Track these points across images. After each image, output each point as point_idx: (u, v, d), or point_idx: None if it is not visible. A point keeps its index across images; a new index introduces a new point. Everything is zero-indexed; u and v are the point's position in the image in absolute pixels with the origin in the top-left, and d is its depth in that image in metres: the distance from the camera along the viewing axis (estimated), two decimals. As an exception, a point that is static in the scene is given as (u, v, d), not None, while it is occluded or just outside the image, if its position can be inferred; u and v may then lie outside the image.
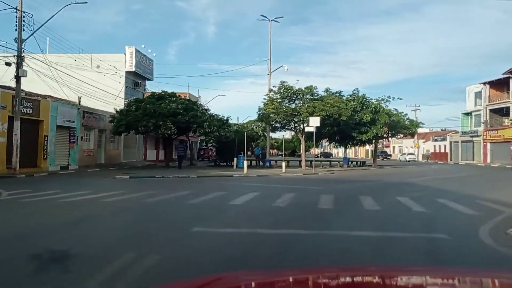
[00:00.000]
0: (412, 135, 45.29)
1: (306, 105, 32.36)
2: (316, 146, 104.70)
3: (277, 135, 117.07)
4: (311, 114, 31.69)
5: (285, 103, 34.03)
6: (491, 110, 60.29)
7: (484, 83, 61.25)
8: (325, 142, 72.70)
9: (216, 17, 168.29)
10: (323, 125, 36.97)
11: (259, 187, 17.92)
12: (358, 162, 44.23)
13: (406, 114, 44.40)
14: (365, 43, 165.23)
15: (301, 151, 34.88)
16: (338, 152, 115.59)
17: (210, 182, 20.63)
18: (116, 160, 36.26)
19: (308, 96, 33.69)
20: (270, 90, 33.95)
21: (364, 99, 37.70)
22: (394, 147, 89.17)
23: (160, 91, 33.09)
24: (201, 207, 11.55)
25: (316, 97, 33.52)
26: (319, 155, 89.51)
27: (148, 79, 42.79)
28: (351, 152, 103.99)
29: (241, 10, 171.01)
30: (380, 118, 37.18)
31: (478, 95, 63.53)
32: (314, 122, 29.08)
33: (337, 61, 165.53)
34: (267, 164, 34.16)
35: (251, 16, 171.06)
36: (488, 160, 60.26)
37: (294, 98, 33.69)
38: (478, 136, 62.27)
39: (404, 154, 79.10)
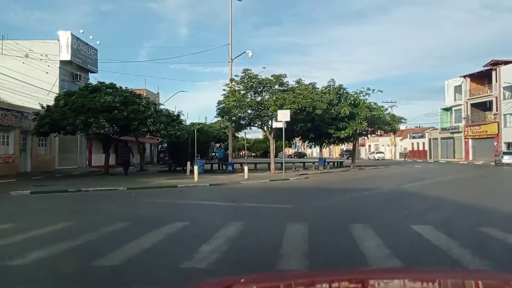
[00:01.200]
0: (393, 132, 40.18)
1: (275, 96, 26.62)
2: (290, 146, 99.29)
3: (252, 135, 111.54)
4: (281, 108, 26.06)
5: (250, 96, 28.24)
6: (472, 105, 56.05)
7: (465, 76, 56.97)
8: (298, 141, 67.11)
9: (188, 18, 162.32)
10: (295, 121, 31.24)
11: (195, 208, 12.00)
12: (335, 163, 38.84)
13: (387, 109, 39.32)
14: (336, 44, 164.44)
15: (270, 152, 29.14)
16: (313, 152, 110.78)
17: (132, 199, 14.38)
18: (49, 167, 29.59)
19: (277, 87, 27.97)
20: (232, 80, 28.05)
21: (341, 90, 32.25)
22: (370, 146, 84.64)
23: (97, 82, 26.58)
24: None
25: (286, 88, 27.82)
26: (292, 156, 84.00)
27: (91, 71, 36.18)
28: (326, 152, 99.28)
29: (214, 11, 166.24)
30: (360, 112, 31.80)
31: (457, 89, 59.29)
32: (284, 116, 23.34)
33: (310, 62, 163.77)
34: (230, 168, 28.24)
35: (224, 17, 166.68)
36: (470, 157, 56.00)
37: (260, 89, 27.89)
38: (459, 132, 57.97)
39: (373, 152, 75.88)
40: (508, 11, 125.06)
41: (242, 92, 28.01)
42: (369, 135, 40.78)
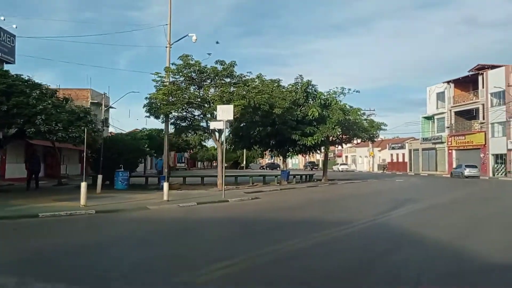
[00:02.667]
0: (372, 140, 34.03)
1: (220, 89, 20.07)
2: (262, 156, 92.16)
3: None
4: (229, 103, 19.62)
5: (193, 90, 21.64)
6: (456, 113, 50.66)
7: (448, 82, 51.64)
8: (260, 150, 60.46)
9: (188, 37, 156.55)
10: (252, 124, 24.86)
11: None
12: (304, 176, 32.43)
13: (364, 113, 33.18)
14: (317, 56, 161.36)
15: (218, 161, 22.43)
16: (288, 163, 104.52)
17: None
18: None
19: (228, 80, 21.45)
20: (167, 69, 21.37)
21: (310, 87, 25.90)
22: (347, 157, 78.86)
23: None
24: None
25: (238, 81, 21.31)
26: (264, 167, 77.25)
27: (7, 62, 28.98)
28: (301, 161, 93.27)
29: (194, 21, 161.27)
30: (332, 114, 25.51)
31: (440, 96, 53.94)
32: (225, 113, 16.71)
33: (291, 73, 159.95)
34: (161, 183, 21.38)
35: (204, 27, 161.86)
36: (454, 171, 50.39)
37: (208, 83, 21.27)
38: (441, 142, 52.45)
39: (337, 164, 72.25)
40: (484, 26, 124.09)
41: (183, 85, 21.42)
42: (343, 144, 34.49)
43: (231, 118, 16.88)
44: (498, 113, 43.47)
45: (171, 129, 24.41)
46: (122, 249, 7.71)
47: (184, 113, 22.46)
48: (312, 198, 18.35)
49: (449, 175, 47.40)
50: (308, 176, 33.43)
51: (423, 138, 56.28)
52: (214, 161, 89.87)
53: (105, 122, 47.40)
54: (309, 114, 23.86)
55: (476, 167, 41.96)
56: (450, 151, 51.13)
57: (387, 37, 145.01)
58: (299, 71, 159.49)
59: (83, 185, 13.49)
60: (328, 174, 33.55)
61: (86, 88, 42.26)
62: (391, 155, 64.33)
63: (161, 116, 22.00)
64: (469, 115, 48.36)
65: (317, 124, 25.26)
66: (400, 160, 61.83)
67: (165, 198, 15.29)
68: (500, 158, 44.03)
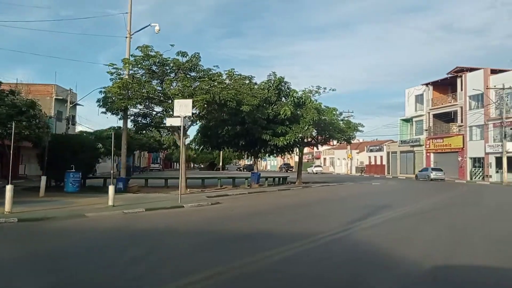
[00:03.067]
0: (348, 142, 32.66)
1: (181, 83, 18.26)
2: (240, 158, 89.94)
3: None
4: (190, 97, 17.91)
5: (155, 84, 19.80)
6: (434, 115, 49.91)
7: (427, 84, 50.86)
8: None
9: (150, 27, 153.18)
10: (221, 123, 23.13)
11: None
12: (278, 179, 30.86)
13: (341, 113, 31.80)
14: (299, 59, 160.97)
15: (181, 162, 20.58)
16: (267, 165, 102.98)
17: None
18: None
19: (193, 74, 19.67)
20: (125, 61, 19.44)
21: (282, 85, 24.32)
22: (325, 159, 77.76)
23: None
24: None
25: (202, 75, 19.55)
26: (241, 168, 75.47)
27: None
28: (280, 163, 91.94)
29: (174, 21, 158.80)
30: (305, 114, 23.98)
31: (419, 98, 53.18)
32: (183, 108, 14.93)
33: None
34: (120, 186, 19.47)
35: (186, 27, 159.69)
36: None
37: (165, 75, 19.43)
38: (419, 145, 51.65)
39: (311, 166, 71.43)
40: (461, 33, 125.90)
41: (143, 79, 19.54)
42: (319, 145, 33.03)
43: (189, 113, 15.12)
44: (476, 116, 42.78)
45: (132, 127, 22.49)
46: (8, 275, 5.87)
47: (145, 110, 20.59)
48: (278, 204, 16.71)
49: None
50: (282, 178, 31.87)
51: (401, 141, 55.45)
52: (192, 162, 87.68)
53: (72, 120, 44.97)
54: (281, 113, 22.28)
55: (441, 170, 42.92)
56: (428, 154, 50.36)
57: (369, 41, 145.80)
58: (282, 73, 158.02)
59: (8, 188, 11.54)
60: (303, 176, 32.09)
61: (51, 83, 39.80)
62: (369, 157, 63.44)
63: (120, 112, 20.09)
64: (447, 118, 47.64)
65: (289, 124, 23.70)
66: (378, 162, 60.97)
67: (110, 203, 13.41)
68: (477, 162, 43.35)
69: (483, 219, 12.62)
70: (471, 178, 43.25)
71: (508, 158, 37.95)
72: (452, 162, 46.26)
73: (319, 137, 31.01)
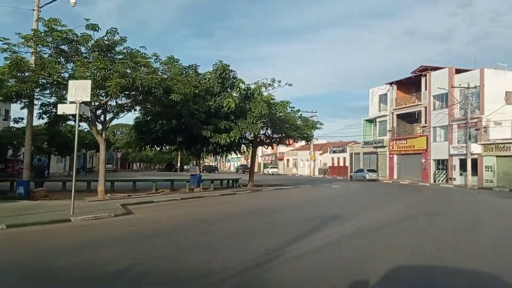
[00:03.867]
0: (306, 140, 29.65)
1: (92, 64, 14.62)
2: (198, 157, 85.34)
3: None
4: (102, 84, 14.37)
5: (67, 67, 16.09)
6: (398, 116, 47.94)
7: (391, 84, 48.88)
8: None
9: (117, 25, 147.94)
10: (154, 117, 19.61)
11: None
12: (226, 181, 27.53)
13: (298, 110, 28.79)
14: (268, 61, 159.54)
15: (100, 161, 16.84)
16: (230, 166, 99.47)
17: None
18: None
19: (112, 55, 16.07)
20: (29, 37, 15.63)
21: (227, 73, 20.94)
22: (288, 160, 75.07)
23: None
24: None
25: (124, 57, 15.98)
26: (201, 169, 71.65)
27: None
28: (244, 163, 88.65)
29: (141, 20, 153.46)
30: (254, 107, 20.75)
31: (383, 98, 51.18)
32: (79, 90, 11.37)
33: (240, 77, 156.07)
34: (20, 191, 15.60)
35: (153, 27, 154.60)
36: (395, 176, 47.68)
37: (77, 54, 15.71)
38: (383, 146, 49.58)
39: (267, 167, 70.88)
40: (425, 38, 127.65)
41: (50, 58, 15.79)
42: (274, 144, 29.90)
43: (88, 98, 11.53)
44: (440, 116, 40.93)
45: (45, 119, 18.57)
46: None
47: (53, 97, 16.82)
48: (204, 214, 13.30)
49: (390, 181, 44.49)
50: (232, 181, 28.58)
51: (364, 142, 53.32)
52: (149, 163, 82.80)
53: (6, 115, 40.06)
54: (225, 105, 18.96)
55: (375, 171, 46.77)
56: (391, 155, 48.34)
57: (336, 44, 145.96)
58: (249, 74, 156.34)
59: None
60: (259, 178, 28.91)
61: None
62: (332, 159, 61.13)
63: (22, 100, 16.22)
64: (411, 118, 45.73)
65: (236, 119, 20.41)
66: (342, 164, 58.72)
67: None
68: (441, 164, 41.51)
69: (458, 235, 9.72)
70: (434, 181, 41.37)
71: (472, 160, 36.12)
72: (415, 164, 44.34)
73: (273, 135, 27.96)
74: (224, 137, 19.41)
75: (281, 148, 79.20)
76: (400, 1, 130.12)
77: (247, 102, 21.14)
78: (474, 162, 36.37)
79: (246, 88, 20.92)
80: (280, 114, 24.88)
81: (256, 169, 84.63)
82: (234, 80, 20.43)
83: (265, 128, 25.42)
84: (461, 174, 38.73)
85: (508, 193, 27.76)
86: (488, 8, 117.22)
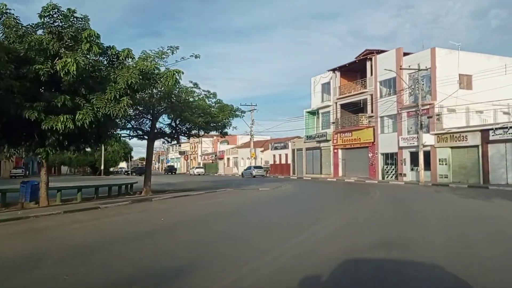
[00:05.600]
0: (222, 133, 22.34)
1: None
2: (43, 157, 74.89)
3: None
4: None
5: None
6: (342, 106, 42.12)
7: (334, 70, 42.97)
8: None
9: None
10: None
11: None
12: (121, 187, 19.96)
13: (214, 95, 21.55)
14: (217, 61, 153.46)
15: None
16: (182, 167, 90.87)
17: None
18: None
19: None
20: None
21: (72, 20, 13.20)
22: (229, 159, 67.96)
23: None
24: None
25: None
26: (129, 172, 62.23)
27: None
28: (191, 164, 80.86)
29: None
30: (119, 78, 13.36)
31: (326, 88, 45.26)
32: None
33: (189, 77, 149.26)
34: None
35: (98, 26, 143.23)
36: (340, 173, 41.87)
37: None
38: (326, 140, 43.65)
39: (193, 168, 67.86)
40: (369, 39, 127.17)
41: None
42: (179, 138, 22.42)
43: None
44: (388, 104, 35.37)
45: None
46: None
47: None
48: None
49: (335, 179, 38.58)
50: (127, 186, 21.02)
51: (307, 136, 47.16)
52: (86, 167, 72.35)
53: None
54: (59, 68, 11.48)
55: (262, 167, 49.43)
56: (335, 150, 42.46)
57: (285, 45, 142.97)
58: (200, 75, 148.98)
59: None
60: (179, 181, 21.51)
61: None
62: (274, 156, 54.69)
63: None
64: (356, 107, 40.02)
65: (90, 93, 12.94)
66: (283, 161, 52.41)
67: None
68: (390, 158, 35.99)
69: None
70: (383, 178, 35.80)
71: (425, 153, 30.70)
72: (362, 159, 38.68)
73: (178, 125, 20.77)
74: (63, 120, 11.91)
75: (222, 147, 72.13)
76: (345, 2, 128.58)
77: (110, 68, 13.71)
78: (427, 155, 31.00)
79: (106, 48, 13.48)
80: (182, 96, 17.77)
81: (185, 170, 77.15)
82: (79, 32, 12.80)
83: (160, 112, 18.15)
84: (412, 169, 33.32)
85: (469, 191, 22.19)
86: (428, 11, 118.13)
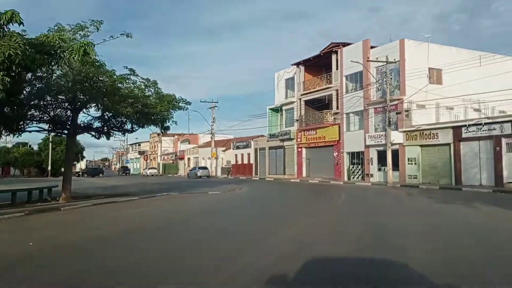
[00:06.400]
0: (163, 128, 18.70)
1: None
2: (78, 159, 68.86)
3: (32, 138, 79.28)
4: None
5: None
6: (306, 102, 39.37)
7: (298, 64, 40.18)
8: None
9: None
10: None
11: None
12: (28, 194, 16.14)
13: (150, 81, 17.97)
14: (188, 60, 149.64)
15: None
16: (131, 166, 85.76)
17: None
18: None
19: None
20: None
21: None
22: (189, 159, 64.05)
23: None
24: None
25: None
26: (79, 173, 57.04)
27: None
28: (149, 164, 76.56)
29: (51, 16, 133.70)
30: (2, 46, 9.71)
31: (290, 83, 42.44)
32: None
33: (158, 76, 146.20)
34: None
35: (64, 23, 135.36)
36: (304, 173, 39.09)
37: None
38: (290, 139, 40.79)
39: (146, 169, 65.87)
40: (340, 40, 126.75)
41: None
42: (101, 135, 18.57)
43: None
44: (354, 100, 32.82)
45: None
46: None
47: None
48: None
49: (298, 180, 35.75)
50: (41, 191, 17.11)
51: (270, 135, 44.14)
52: (31, 167, 66.33)
53: None
54: None
55: (206, 168, 49.16)
56: (299, 149, 39.63)
57: (257, 45, 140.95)
58: (170, 74, 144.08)
59: None
60: (128, 182, 17.72)
61: None
62: (236, 155, 51.35)
63: None
64: (321, 103, 37.30)
65: None
66: (246, 161, 49.19)
67: None
68: (356, 157, 33.43)
69: None
70: (349, 178, 33.22)
71: (393, 151, 28.25)
72: (327, 159, 36.01)
73: (111, 120, 17.15)
74: None
75: (182, 146, 68.24)
76: (317, 3, 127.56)
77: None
78: (395, 154, 28.56)
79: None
80: (103, 78, 14.16)
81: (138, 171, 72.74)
82: None
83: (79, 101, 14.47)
84: (379, 169, 30.87)
85: (442, 193, 19.68)
86: (396, 13, 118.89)
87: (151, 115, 17.05)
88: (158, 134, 70.51)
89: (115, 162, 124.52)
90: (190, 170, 50.03)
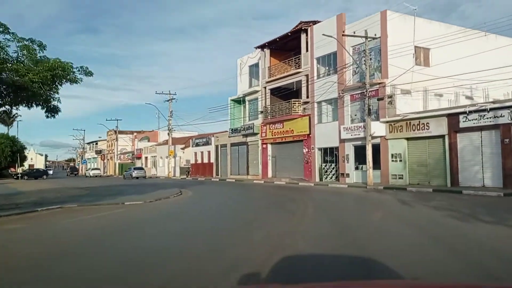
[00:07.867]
0: (48, 110, 12.75)
1: None
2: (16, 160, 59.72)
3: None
4: None
5: None
6: (272, 91, 33.69)
7: (262, 47, 34.40)
8: None
9: None
10: None
11: None
12: None
13: (41, 44, 11.95)
14: (157, 59, 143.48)
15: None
16: (102, 168, 78.13)
17: None
18: None
19: None
20: None
21: None
22: (147, 158, 57.35)
23: None
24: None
25: None
26: (19, 175, 48.60)
27: None
28: (123, 167, 69.65)
29: (19, 13, 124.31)
30: None
31: (254, 70, 36.70)
32: None
33: (129, 75, 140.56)
34: None
35: (32, 20, 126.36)
36: (270, 173, 33.42)
37: None
38: (254, 134, 35.06)
39: (89, 169, 63.42)
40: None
41: None
42: None
43: None
44: (327, 86, 27.35)
45: None
46: None
47: None
48: None
49: (262, 181, 30.09)
50: None
51: (232, 130, 38.24)
52: None
53: None
54: None
55: (142, 169, 47.15)
56: (264, 145, 33.92)
57: (227, 44, 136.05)
58: (139, 73, 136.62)
59: None
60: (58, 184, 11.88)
61: None
62: (196, 154, 45.16)
63: None
64: (288, 92, 31.72)
65: None
66: (206, 160, 43.10)
67: None
68: (329, 154, 27.99)
69: None
70: (321, 179, 27.75)
71: (374, 146, 22.92)
72: (296, 156, 30.49)
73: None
74: None
75: (140, 144, 61.51)
76: (287, 3, 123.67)
77: None
78: (376, 150, 23.29)
79: None
80: None
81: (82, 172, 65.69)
82: None
83: None
84: (357, 168, 25.54)
85: (442, 198, 14.28)
86: (364, 14, 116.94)
87: (18, 88, 10.91)
88: (115, 132, 63.57)
89: (78, 163, 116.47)
90: (125, 171, 48.69)
